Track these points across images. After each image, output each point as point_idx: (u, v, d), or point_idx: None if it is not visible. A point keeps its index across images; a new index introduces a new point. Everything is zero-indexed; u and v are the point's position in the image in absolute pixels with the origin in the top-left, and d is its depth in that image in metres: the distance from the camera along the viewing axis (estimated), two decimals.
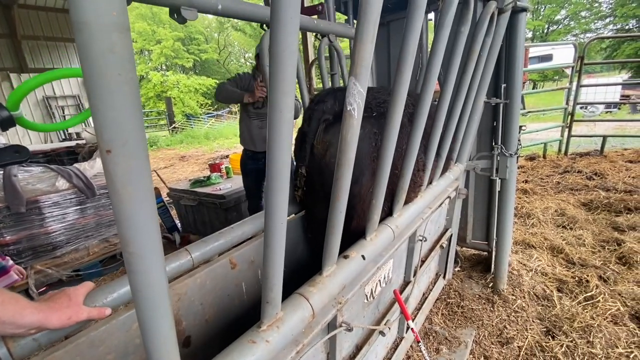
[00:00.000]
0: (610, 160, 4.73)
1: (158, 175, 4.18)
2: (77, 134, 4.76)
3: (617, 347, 1.60)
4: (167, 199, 3.75)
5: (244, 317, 1.24)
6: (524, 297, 2.01)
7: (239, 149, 2.85)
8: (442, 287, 2.11)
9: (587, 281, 2.07)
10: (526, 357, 1.62)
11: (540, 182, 4.16)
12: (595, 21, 25.04)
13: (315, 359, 0.91)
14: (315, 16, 1.51)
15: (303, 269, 1.49)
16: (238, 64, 27.72)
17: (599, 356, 1.57)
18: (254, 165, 2.73)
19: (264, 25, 1.27)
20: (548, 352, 1.63)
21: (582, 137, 5.62)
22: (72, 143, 4.06)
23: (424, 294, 1.90)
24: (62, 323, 0.69)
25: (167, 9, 0.95)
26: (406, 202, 1.23)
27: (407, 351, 1.62)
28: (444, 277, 2.12)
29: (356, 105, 0.63)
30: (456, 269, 2.36)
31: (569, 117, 5.26)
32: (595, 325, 1.74)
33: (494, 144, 2.10)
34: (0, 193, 2.28)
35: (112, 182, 0.31)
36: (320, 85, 1.77)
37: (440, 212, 1.83)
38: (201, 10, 0.94)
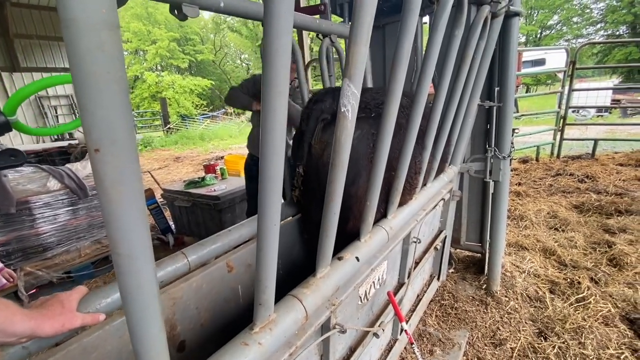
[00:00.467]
0: (602, 163, 4.79)
1: (152, 176, 4.14)
2: (70, 134, 4.70)
3: (608, 348, 1.62)
4: (161, 200, 3.72)
5: (239, 320, 1.23)
6: (517, 299, 2.02)
7: (234, 150, 2.84)
8: (436, 288, 2.12)
9: (579, 283, 2.09)
10: (519, 358, 1.63)
11: (533, 185, 4.21)
12: (587, 27, 25.47)
13: None
14: (317, 16, 1.51)
15: (299, 271, 1.48)
16: (234, 65, 27.68)
17: (591, 357, 1.58)
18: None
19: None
20: (540, 354, 1.64)
21: (574, 140, 5.70)
22: (65, 143, 4.02)
23: (418, 296, 1.90)
24: (55, 331, 0.67)
25: (163, 9, 0.94)
26: (401, 204, 1.23)
27: (401, 353, 1.62)
28: (438, 278, 2.13)
29: (350, 106, 0.63)
30: (450, 271, 2.37)
31: (562, 120, 5.33)
32: (587, 326, 1.75)
33: (487, 146, 2.12)
34: None
35: (101, 182, 0.30)
36: (316, 87, 1.78)
37: (434, 214, 1.84)
38: (203, 8, 0.94)
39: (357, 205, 1.08)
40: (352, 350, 1.13)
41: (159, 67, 23.67)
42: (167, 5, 0.93)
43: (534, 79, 21.27)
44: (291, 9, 0.43)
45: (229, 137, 12.99)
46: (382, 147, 0.87)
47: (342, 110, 0.64)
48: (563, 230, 2.87)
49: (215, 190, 3.19)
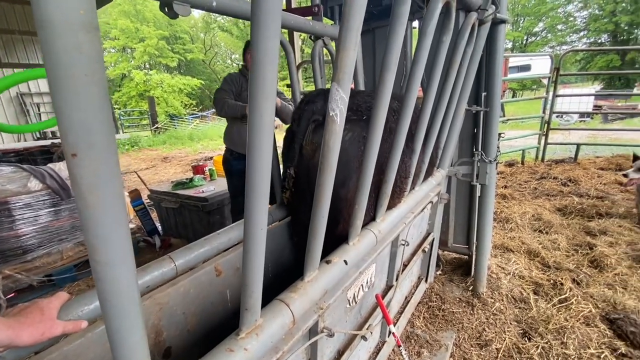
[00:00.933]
0: (584, 167, 4.93)
1: (138, 176, 4.07)
2: (53, 132, 4.57)
3: (589, 347, 1.66)
4: (148, 201, 3.65)
5: (227, 325, 1.21)
6: (502, 300, 2.06)
7: (224, 151, 2.81)
8: (424, 290, 2.13)
9: (562, 284, 2.14)
10: (504, 359, 1.66)
11: (519, 188, 4.30)
12: (571, 34, 26.23)
13: None
14: (310, 17, 1.51)
15: (287, 275, 1.47)
16: (224, 65, 27.45)
17: (572, 357, 1.62)
18: (240, 165, 2.70)
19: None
20: (524, 354, 1.67)
21: (557, 144, 5.85)
22: (47, 142, 3.90)
23: (406, 298, 1.91)
24: (35, 339, 0.64)
25: (152, 7, 0.92)
26: (390, 207, 1.24)
27: (389, 355, 1.62)
28: (426, 280, 2.15)
29: (339, 111, 0.63)
30: (438, 273, 2.40)
31: (546, 125, 5.46)
32: (569, 326, 1.80)
33: (474, 150, 2.15)
34: None
35: (78, 187, 0.29)
36: (307, 89, 1.77)
37: (422, 216, 1.86)
38: (195, 6, 0.92)
39: (347, 208, 1.08)
40: (341, 353, 1.13)
41: (148, 66, 23.29)
42: (157, 3, 0.92)
43: (520, 84, 21.78)
44: (279, 14, 0.43)
45: (219, 137, 12.85)
46: (371, 150, 0.88)
47: (331, 114, 0.64)
48: (547, 233, 2.94)
49: (203, 192, 3.15)
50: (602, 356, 1.60)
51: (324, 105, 1.14)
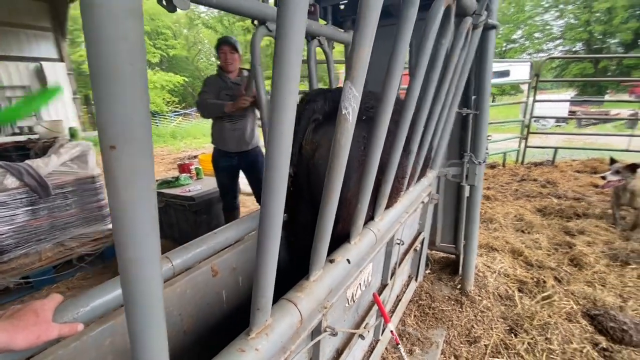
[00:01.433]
0: (561, 170, 5.15)
1: None
2: (30, 127, 4.36)
3: (572, 342, 1.73)
4: None
5: (223, 325, 1.19)
6: (489, 298, 2.12)
7: (208, 149, 2.79)
8: (414, 289, 2.17)
9: (544, 282, 2.23)
10: (492, 354, 1.70)
11: (501, 189, 4.43)
12: (547, 42, 27.32)
13: None
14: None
15: (281, 275, 1.46)
16: (208, 62, 26.95)
17: (556, 352, 1.69)
18: (227, 162, 2.72)
19: (254, 21, 1.25)
20: (511, 350, 1.72)
21: (536, 148, 6.08)
22: (23, 137, 3.72)
23: (397, 297, 1.94)
24: (30, 343, 0.61)
25: None
26: (387, 207, 1.25)
27: (382, 353, 1.64)
28: (416, 279, 2.18)
29: (351, 109, 0.63)
30: (427, 272, 2.44)
31: (526, 129, 5.66)
32: (552, 322, 1.87)
33: (462, 152, 2.21)
34: None
35: (114, 181, 0.28)
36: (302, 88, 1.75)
37: (414, 216, 1.89)
38: (195, 1, 0.90)
39: (347, 208, 1.09)
40: (340, 352, 1.13)
41: None
42: None
43: (499, 89, 22.49)
44: (305, 12, 0.43)
45: (203, 135, 12.61)
46: (375, 150, 0.88)
47: (343, 112, 0.64)
48: (529, 232, 3.05)
49: (190, 191, 3.08)
50: (584, 351, 1.68)
51: (324, 104, 1.14)
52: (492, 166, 5.70)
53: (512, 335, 1.83)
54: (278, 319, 0.68)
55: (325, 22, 2.28)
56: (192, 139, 12.42)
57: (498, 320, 1.93)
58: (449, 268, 2.49)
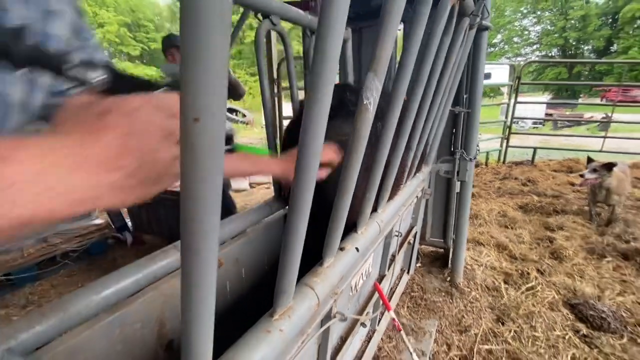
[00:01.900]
0: (540, 169, 5.38)
1: None
2: None
3: (555, 330, 1.83)
4: None
5: (225, 317, 1.20)
6: (477, 289, 2.20)
7: None
8: (407, 281, 2.23)
9: (528, 273, 2.34)
10: (482, 342, 1.78)
11: (484, 187, 4.59)
12: (525, 47, 28.35)
13: (310, 351, 0.92)
14: (307, 11, 1.52)
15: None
16: None
17: (541, 338, 1.78)
18: None
19: (258, 14, 1.25)
20: (500, 337, 1.81)
21: (516, 147, 6.32)
22: None
23: (391, 289, 1.99)
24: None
25: None
26: (388, 200, 1.29)
27: (378, 343, 1.68)
28: (408, 272, 2.24)
29: (372, 99, 0.66)
30: (418, 265, 2.51)
31: (508, 129, 5.88)
32: (536, 311, 1.97)
33: (452, 149, 2.29)
34: None
35: (194, 155, 0.30)
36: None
37: (409, 210, 1.94)
38: None
39: (356, 199, 1.11)
40: (343, 340, 1.16)
41: (107, 54, 21.79)
42: None
43: None
44: (344, 16, 0.45)
45: None
46: (385, 144, 0.92)
47: (365, 102, 0.66)
48: (512, 228, 3.18)
49: (178, 185, 3.03)
50: (566, 337, 1.78)
51: (334, 100, 1.16)
52: (476, 165, 5.88)
53: (500, 324, 1.91)
54: (298, 301, 0.70)
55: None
56: None
57: (486, 310, 2.02)
58: (439, 261, 2.57)
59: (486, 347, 1.75)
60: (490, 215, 3.47)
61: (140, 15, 22.16)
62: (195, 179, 0.31)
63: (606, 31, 23.20)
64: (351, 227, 1.08)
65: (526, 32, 27.98)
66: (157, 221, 3.26)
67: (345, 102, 1.20)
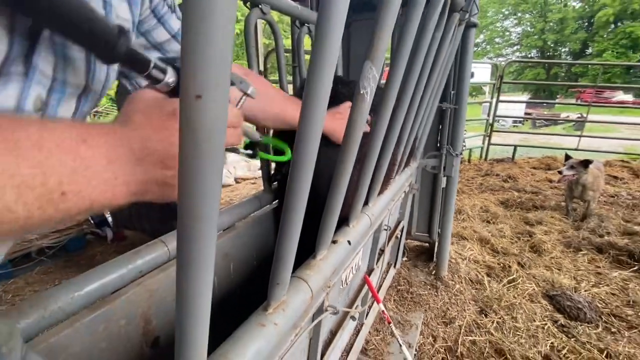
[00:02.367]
0: (520, 166, 5.55)
1: None
2: None
3: (534, 320, 1.90)
4: None
5: (214, 312, 1.17)
6: (462, 282, 2.26)
7: None
8: (393, 275, 2.25)
9: (509, 267, 2.41)
10: (466, 333, 1.83)
11: (467, 183, 4.70)
12: (506, 47, 29.09)
13: (302, 345, 0.91)
14: (297, 1, 1.49)
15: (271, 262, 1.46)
16: None
17: (522, 329, 1.84)
18: None
19: (247, 2, 1.22)
20: (483, 328, 1.86)
21: (498, 145, 6.49)
22: None
23: (378, 282, 2.01)
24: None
25: None
26: (379, 193, 1.29)
27: (366, 336, 1.70)
28: (395, 266, 2.27)
29: (369, 89, 0.65)
30: (404, 259, 2.54)
31: (490, 127, 6.02)
32: (517, 303, 2.03)
33: (438, 144, 2.32)
34: None
35: (194, 135, 0.28)
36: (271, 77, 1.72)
37: (396, 205, 1.96)
38: None
39: (349, 192, 1.11)
40: (333, 333, 1.16)
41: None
42: None
43: None
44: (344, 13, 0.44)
45: None
46: (377, 137, 0.91)
47: (361, 92, 0.65)
48: (494, 223, 3.27)
49: None
50: (545, 327, 1.85)
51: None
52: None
53: (483, 315, 1.97)
54: (292, 295, 0.68)
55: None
56: None
57: (470, 303, 2.07)
58: (424, 255, 2.61)
59: (470, 338, 1.79)
60: (473, 211, 3.55)
61: None
62: (197, 160, 0.29)
63: (582, 34, 24.11)
64: (342, 220, 1.08)
65: (507, 33, 28.72)
66: (138, 216, 3.16)
67: (337, 95, 1.19)
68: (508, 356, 1.65)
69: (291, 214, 0.57)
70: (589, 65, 21.57)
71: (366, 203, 1.22)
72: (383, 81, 1.18)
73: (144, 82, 0.47)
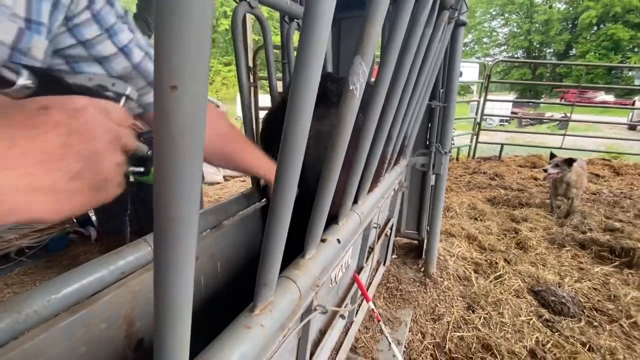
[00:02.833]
0: (506, 164, 5.64)
1: None
2: None
3: (520, 315, 1.93)
4: None
5: (200, 313, 1.15)
6: (450, 279, 2.28)
7: None
8: (383, 273, 2.26)
9: (496, 263, 2.45)
10: (454, 329, 1.84)
11: (455, 181, 4.75)
12: (494, 47, 29.55)
13: (290, 345, 0.90)
14: None
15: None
16: None
17: (508, 324, 1.87)
18: None
19: None
20: (470, 324, 1.88)
21: (485, 143, 6.59)
22: None
23: (367, 280, 2.01)
24: None
25: None
26: (368, 191, 1.28)
27: (355, 334, 1.70)
28: (384, 264, 2.27)
29: (359, 85, 0.64)
30: (393, 256, 2.55)
31: (478, 126, 6.11)
32: (504, 299, 2.07)
33: (427, 142, 2.33)
34: None
35: (169, 129, 0.26)
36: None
37: (386, 203, 1.96)
38: None
39: (335, 191, 1.10)
40: (323, 333, 1.15)
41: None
42: None
43: None
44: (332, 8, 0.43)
45: None
46: (367, 135, 0.90)
47: (350, 88, 0.64)
48: (481, 220, 3.32)
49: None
50: (530, 322, 1.88)
51: (319, 87, 1.13)
52: None
53: (470, 311, 1.99)
54: (280, 295, 0.67)
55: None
56: None
57: (458, 299, 2.09)
58: (413, 253, 2.63)
59: (458, 334, 1.81)
60: (461, 208, 3.59)
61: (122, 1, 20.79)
62: (173, 157, 0.27)
63: (566, 35, 24.68)
64: (331, 218, 1.06)
65: (495, 34, 29.18)
66: (137, 219, 3.09)
67: (327, 92, 1.17)
68: (495, 351, 1.67)
69: (278, 212, 0.55)
70: (573, 66, 22.12)
71: (355, 201, 1.21)
72: (372, 79, 1.18)
73: None
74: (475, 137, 6.18)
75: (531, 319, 1.90)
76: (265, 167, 0.95)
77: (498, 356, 1.65)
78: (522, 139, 8.22)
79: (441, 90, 2.08)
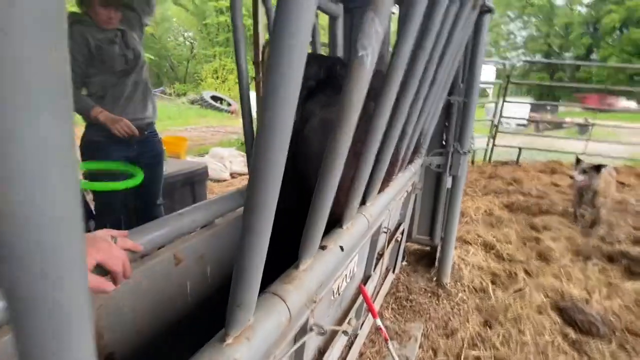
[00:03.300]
0: (524, 169, 5.39)
1: None
2: None
3: (543, 334, 1.74)
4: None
5: (186, 322, 1.02)
6: (465, 290, 2.10)
7: (172, 132, 2.50)
8: (392, 281, 2.10)
9: (516, 274, 2.26)
10: (469, 347, 1.67)
11: (471, 185, 4.53)
12: (511, 50, 28.91)
13: None
14: None
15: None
16: (176, 42, 25.43)
17: (529, 344, 1.69)
18: (122, 152, 1.75)
19: None
20: (487, 342, 1.70)
21: (503, 147, 6.32)
22: None
23: (375, 288, 1.85)
24: None
25: None
26: (378, 192, 1.14)
27: (360, 349, 1.54)
28: (393, 271, 2.11)
29: (371, 49, 0.49)
30: (403, 263, 2.39)
31: (495, 128, 5.86)
32: (524, 315, 1.88)
33: (444, 142, 2.16)
34: None
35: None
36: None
37: (397, 205, 1.80)
38: None
39: (342, 189, 0.95)
40: (322, 352, 1.01)
41: None
42: None
43: None
44: None
45: (168, 118, 11.87)
46: (377, 130, 0.76)
47: (360, 54, 0.49)
48: (498, 227, 3.11)
49: None
50: (555, 342, 1.69)
51: (318, 70, 0.99)
52: None
53: (488, 327, 1.81)
54: (262, 318, 0.53)
55: None
56: (157, 121, 11.63)
57: (473, 313, 1.91)
58: (424, 260, 2.46)
59: (474, 352, 1.64)
60: (476, 214, 3.39)
61: None
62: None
63: (587, 39, 23.90)
64: (333, 221, 0.92)
65: (512, 36, 28.50)
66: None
67: (335, 76, 1.03)
68: None
69: (255, 215, 0.41)
70: (593, 72, 21.37)
71: (363, 202, 1.07)
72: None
73: None
74: (492, 139, 5.93)
75: (556, 339, 1.71)
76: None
77: None
78: (541, 143, 7.90)
79: (461, 85, 1.91)
